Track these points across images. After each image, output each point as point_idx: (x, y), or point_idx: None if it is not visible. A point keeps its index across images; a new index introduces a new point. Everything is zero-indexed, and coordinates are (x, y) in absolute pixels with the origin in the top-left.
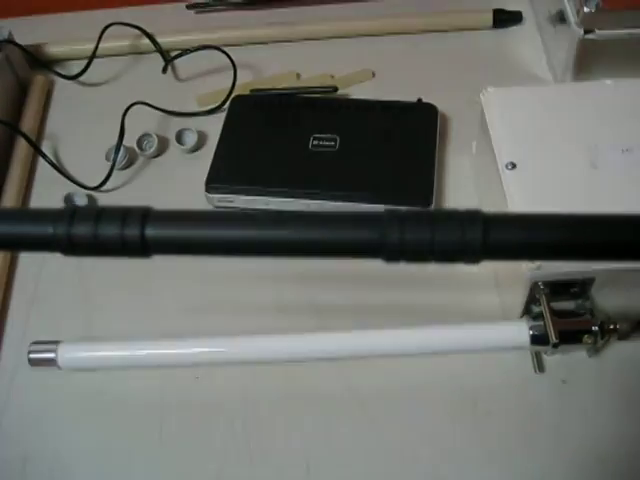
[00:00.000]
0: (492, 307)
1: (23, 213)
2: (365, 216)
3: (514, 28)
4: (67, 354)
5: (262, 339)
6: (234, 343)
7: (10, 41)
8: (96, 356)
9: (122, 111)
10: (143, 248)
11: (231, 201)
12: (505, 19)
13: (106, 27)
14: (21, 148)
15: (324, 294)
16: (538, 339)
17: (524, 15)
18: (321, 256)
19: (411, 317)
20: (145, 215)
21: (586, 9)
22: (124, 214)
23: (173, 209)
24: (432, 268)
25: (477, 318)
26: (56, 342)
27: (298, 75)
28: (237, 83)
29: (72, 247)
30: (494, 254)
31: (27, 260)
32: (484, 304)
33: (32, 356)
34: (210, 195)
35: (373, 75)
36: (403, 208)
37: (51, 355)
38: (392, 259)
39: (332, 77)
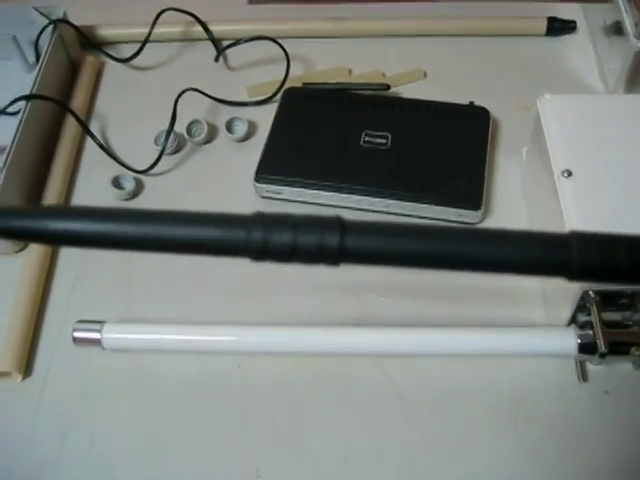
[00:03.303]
0: (537, 314)
1: (214, 218)
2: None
3: (566, 37)
4: (112, 335)
5: (306, 331)
6: (277, 333)
7: (64, 20)
8: (141, 338)
9: (171, 96)
10: (340, 257)
11: (279, 192)
12: (559, 27)
13: (161, 12)
14: (70, 128)
15: (369, 294)
16: (586, 348)
17: (577, 25)
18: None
19: (455, 320)
20: (343, 225)
21: None
22: (321, 223)
23: (365, 220)
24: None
25: (521, 323)
26: (101, 322)
27: (350, 71)
28: (288, 76)
29: (265, 253)
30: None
31: None
32: (530, 310)
33: (76, 335)
34: (259, 185)
35: (425, 75)
36: (447, 209)
37: (96, 335)
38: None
39: (383, 75)
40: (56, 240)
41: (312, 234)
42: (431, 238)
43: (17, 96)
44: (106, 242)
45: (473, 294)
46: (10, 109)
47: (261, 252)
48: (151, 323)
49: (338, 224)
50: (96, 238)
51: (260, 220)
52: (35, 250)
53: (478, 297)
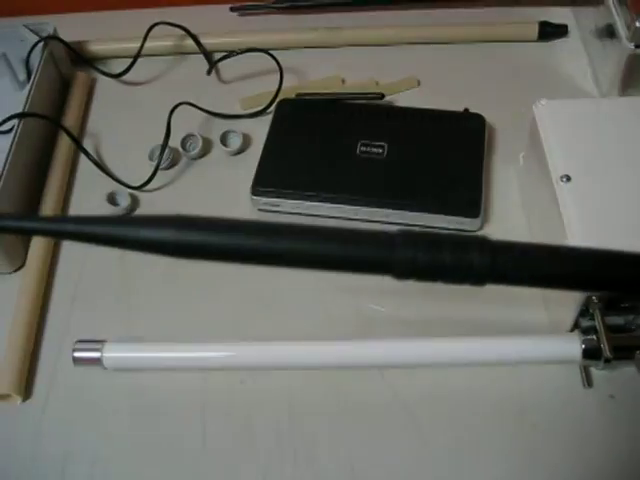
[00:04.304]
0: (539, 320)
1: (360, 235)
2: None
3: (559, 41)
4: (113, 354)
5: (308, 345)
6: (279, 348)
7: (55, 37)
8: (142, 357)
9: (164, 111)
10: (488, 277)
11: (277, 205)
12: (550, 32)
13: (152, 27)
14: (63, 145)
15: (366, 298)
16: (590, 353)
17: (569, 28)
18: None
19: (456, 328)
20: (493, 246)
21: (638, 24)
22: (470, 243)
23: (512, 241)
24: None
25: (523, 329)
26: (101, 341)
27: (343, 80)
28: (281, 87)
29: (411, 272)
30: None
31: (68, 258)
32: (531, 316)
33: (77, 355)
34: (256, 198)
35: (418, 83)
36: (446, 217)
37: (96, 355)
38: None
39: (377, 83)
40: (185, 252)
41: (462, 254)
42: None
43: (8, 114)
44: (238, 256)
45: (474, 301)
46: (2, 128)
47: (407, 271)
48: (152, 341)
49: (488, 244)
50: (227, 251)
51: (408, 238)
52: (32, 269)
53: (479, 304)
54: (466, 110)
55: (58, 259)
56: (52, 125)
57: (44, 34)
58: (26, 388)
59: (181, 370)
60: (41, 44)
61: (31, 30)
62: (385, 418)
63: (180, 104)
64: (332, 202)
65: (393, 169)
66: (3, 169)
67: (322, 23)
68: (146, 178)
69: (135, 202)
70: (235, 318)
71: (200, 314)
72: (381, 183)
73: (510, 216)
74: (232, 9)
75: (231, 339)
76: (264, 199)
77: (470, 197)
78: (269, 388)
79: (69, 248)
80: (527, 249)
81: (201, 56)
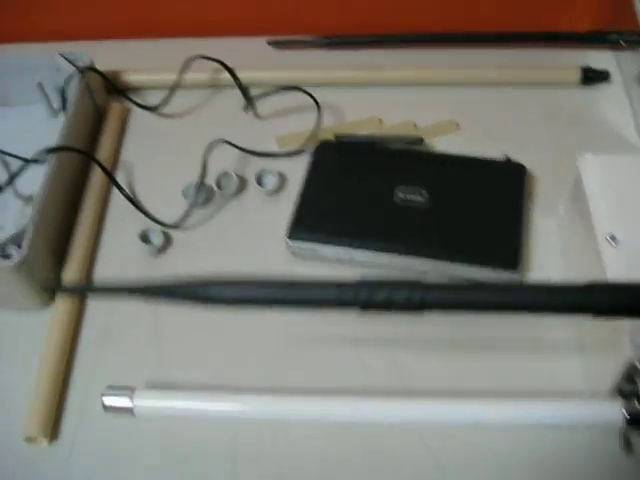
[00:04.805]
0: (578, 382)
1: (330, 283)
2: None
3: (601, 86)
4: (143, 402)
5: (341, 401)
6: (310, 403)
7: (91, 68)
8: (173, 406)
9: (198, 145)
10: (422, 307)
11: (313, 250)
12: (593, 77)
13: (189, 60)
14: (96, 178)
15: (402, 350)
16: (633, 421)
17: (611, 73)
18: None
19: (493, 387)
20: (424, 286)
21: None
22: (408, 284)
23: (441, 282)
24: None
25: (563, 392)
26: (131, 389)
27: (380, 120)
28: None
29: (368, 306)
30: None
31: (97, 301)
32: (570, 379)
33: (107, 402)
34: (291, 242)
35: (458, 127)
36: (485, 269)
37: (127, 403)
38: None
39: (415, 125)
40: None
41: (401, 292)
42: (485, 291)
43: (42, 141)
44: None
45: (511, 359)
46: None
47: (367, 306)
48: (183, 389)
49: (419, 285)
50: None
51: (364, 284)
52: (61, 308)
53: (517, 363)
54: (507, 159)
55: (88, 299)
56: (86, 157)
57: (80, 64)
58: (53, 430)
59: (213, 420)
60: (77, 74)
61: (67, 60)
62: (418, 477)
63: (215, 142)
64: (369, 249)
65: (431, 217)
66: (37, 203)
67: (359, 58)
68: (179, 214)
69: (168, 240)
70: (267, 365)
71: (232, 359)
72: (419, 232)
73: (550, 269)
74: (269, 43)
75: (262, 386)
76: (300, 244)
77: (509, 248)
78: (299, 442)
79: None
80: (450, 287)
81: (236, 90)
